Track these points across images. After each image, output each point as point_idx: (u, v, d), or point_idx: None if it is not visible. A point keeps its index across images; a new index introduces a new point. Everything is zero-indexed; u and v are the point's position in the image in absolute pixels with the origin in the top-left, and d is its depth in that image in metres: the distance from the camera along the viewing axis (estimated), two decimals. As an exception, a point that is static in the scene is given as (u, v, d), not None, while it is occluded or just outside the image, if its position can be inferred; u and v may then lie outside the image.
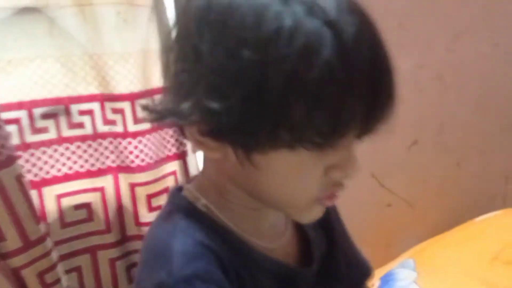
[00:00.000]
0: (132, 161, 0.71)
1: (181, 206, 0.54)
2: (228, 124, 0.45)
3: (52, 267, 0.60)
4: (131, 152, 0.71)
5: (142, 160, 0.71)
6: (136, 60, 0.70)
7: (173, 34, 0.49)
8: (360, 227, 1.11)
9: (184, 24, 0.48)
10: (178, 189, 0.57)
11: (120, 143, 0.70)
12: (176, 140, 0.76)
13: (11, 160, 0.55)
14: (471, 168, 1.31)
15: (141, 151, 0.71)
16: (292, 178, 0.49)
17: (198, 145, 0.50)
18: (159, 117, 0.50)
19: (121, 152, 0.71)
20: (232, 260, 0.52)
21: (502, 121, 1.36)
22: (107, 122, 0.69)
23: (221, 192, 0.54)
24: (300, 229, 0.61)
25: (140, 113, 0.70)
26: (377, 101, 0.46)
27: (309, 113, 0.43)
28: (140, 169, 0.71)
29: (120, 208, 0.72)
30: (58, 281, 0.61)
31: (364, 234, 1.12)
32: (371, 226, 1.15)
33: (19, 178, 0.55)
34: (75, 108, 0.69)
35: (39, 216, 0.58)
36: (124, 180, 0.72)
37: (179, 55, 0.48)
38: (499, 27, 1.31)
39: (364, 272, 0.69)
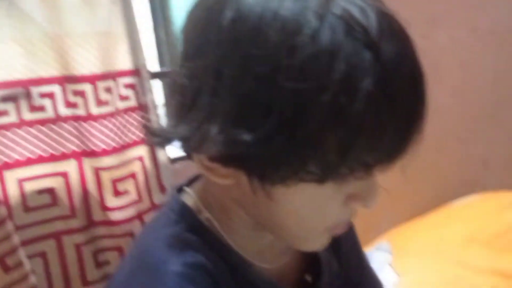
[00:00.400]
0: (96, 145, 0.70)
1: (183, 215, 0.51)
2: (253, 155, 0.40)
3: (13, 250, 0.59)
4: (94, 136, 0.70)
5: (106, 144, 0.70)
6: (97, 42, 0.69)
7: (182, 45, 0.44)
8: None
9: (200, 38, 0.42)
10: (178, 190, 0.54)
11: (83, 126, 0.69)
12: (142, 124, 0.75)
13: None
14: (450, 154, 1.31)
15: (105, 134, 0.70)
16: (310, 210, 0.46)
17: (205, 170, 0.45)
18: (165, 143, 0.47)
19: (84, 135, 0.70)
20: (228, 280, 0.50)
21: (481, 107, 1.36)
22: (68, 104, 0.68)
23: (224, 210, 0.50)
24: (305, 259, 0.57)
25: (103, 96, 0.70)
26: (412, 133, 0.42)
27: (346, 146, 0.39)
28: (104, 153, 0.70)
29: (85, 193, 0.71)
30: (20, 264, 0.60)
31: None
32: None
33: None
34: (35, 90, 0.67)
35: (-3, 199, 0.57)
36: (88, 164, 0.70)
37: (193, 75, 0.42)
38: (477, 11, 1.31)
39: None
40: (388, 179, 1.21)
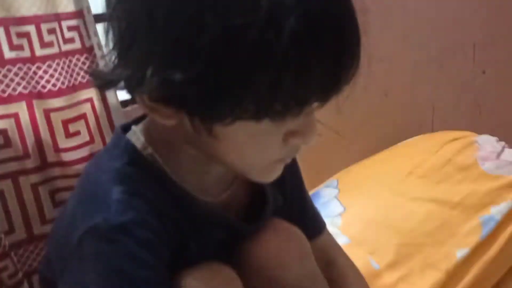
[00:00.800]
0: (44, 87, 0.72)
1: (126, 151, 0.53)
2: (189, 95, 0.42)
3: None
4: (41, 78, 0.72)
5: (54, 86, 0.73)
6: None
7: None
8: (290, 156, 1.16)
9: None
10: (124, 128, 0.56)
11: (29, 68, 0.71)
12: (90, 66, 0.77)
13: None
14: (399, 98, 1.37)
15: (52, 76, 0.72)
16: (251, 147, 0.49)
17: (149, 111, 0.47)
18: (108, 84, 0.49)
19: (32, 78, 0.72)
20: (172, 212, 0.53)
21: (428, 52, 1.41)
22: (13, 47, 0.70)
23: (169, 147, 0.53)
24: (253, 184, 0.61)
25: (47, 37, 0.71)
26: (342, 70, 0.45)
27: (276, 83, 0.41)
28: (53, 94, 0.73)
29: (37, 134, 0.74)
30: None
31: (295, 162, 1.18)
32: (303, 155, 1.20)
33: None
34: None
35: None
36: (38, 106, 0.73)
37: (128, 18, 0.45)
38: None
39: (317, 227, 0.73)
40: (340, 123, 1.26)
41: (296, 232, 0.66)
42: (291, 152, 0.52)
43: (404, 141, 1.18)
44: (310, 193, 1.04)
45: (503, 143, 1.09)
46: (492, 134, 1.19)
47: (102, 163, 0.55)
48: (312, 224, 0.71)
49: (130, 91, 0.48)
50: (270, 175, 0.54)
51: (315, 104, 0.47)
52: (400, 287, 0.83)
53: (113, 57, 0.47)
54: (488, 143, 1.07)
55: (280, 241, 0.63)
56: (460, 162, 1.01)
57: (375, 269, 0.85)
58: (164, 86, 0.43)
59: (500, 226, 0.94)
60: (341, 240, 0.89)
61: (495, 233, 0.93)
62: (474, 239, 0.90)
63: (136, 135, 0.54)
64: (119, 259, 0.48)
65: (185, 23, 0.41)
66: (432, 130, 1.45)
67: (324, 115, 1.29)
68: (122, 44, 0.45)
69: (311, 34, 0.41)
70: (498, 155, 1.03)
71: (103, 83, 0.49)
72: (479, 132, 1.20)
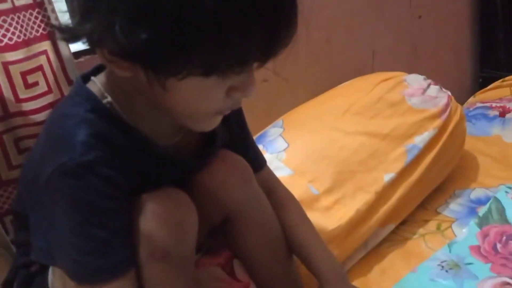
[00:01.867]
0: (1, 41, 0.77)
1: (88, 99, 0.60)
2: (147, 52, 0.49)
3: None
4: (16, 29, 0.77)
5: (10, 39, 0.78)
6: None
7: None
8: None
9: None
10: (84, 78, 0.63)
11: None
12: (42, 21, 0.82)
13: None
14: (340, 44, 1.45)
15: (7, 30, 0.77)
16: (198, 100, 0.56)
17: (108, 63, 0.54)
18: (71, 38, 0.55)
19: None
20: (132, 152, 0.61)
21: (367, 0, 1.49)
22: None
23: (126, 96, 0.61)
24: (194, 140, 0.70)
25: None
26: (278, 36, 0.53)
27: (222, 44, 0.49)
28: (10, 48, 0.78)
29: (-3, 86, 0.79)
30: None
31: (244, 107, 1.26)
32: (251, 100, 1.29)
33: None
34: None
35: None
36: (-4, 58, 0.78)
37: None
38: None
39: (259, 162, 0.83)
40: (286, 70, 1.36)
41: (240, 160, 0.76)
42: (233, 105, 0.60)
43: (343, 83, 1.28)
44: (259, 133, 1.15)
45: (429, 80, 1.21)
46: (427, 74, 1.30)
47: (66, 110, 0.62)
48: (255, 159, 0.81)
49: (91, 45, 0.54)
50: (209, 125, 0.63)
51: (256, 64, 0.55)
52: (336, 208, 0.95)
53: (77, 13, 0.53)
54: (415, 81, 1.18)
55: (225, 167, 0.73)
56: (390, 99, 1.13)
57: (314, 195, 0.96)
58: (125, 42, 0.49)
59: (422, 153, 1.06)
60: (285, 172, 0.99)
61: (418, 159, 1.06)
62: (399, 165, 1.03)
63: (96, 85, 0.62)
64: (84, 192, 0.56)
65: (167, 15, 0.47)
66: (372, 73, 1.56)
67: (273, 63, 1.37)
68: (87, 1, 0.51)
69: (253, 2, 0.49)
70: (424, 91, 1.15)
71: (68, 38, 0.55)
72: (417, 73, 1.31)
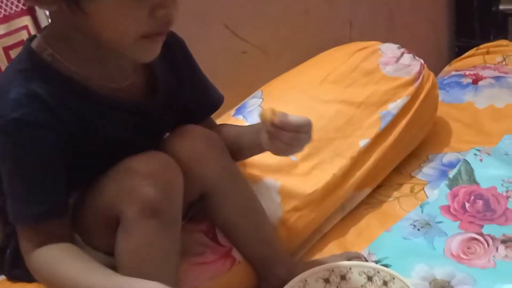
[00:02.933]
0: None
1: (27, 56, 0.64)
2: None
3: None
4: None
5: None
6: None
7: None
8: (219, 73, 1.28)
9: None
10: (31, 39, 0.67)
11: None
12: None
13: None
14: (318, 15, 1.48)
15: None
16: (119, 19, 0.59)
17: (33, 2, 0.60)
18: None
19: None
20: (72, 104, 0.64)
21: (344, -30, 1.52)
22: None
23: (66, 40, 0.64)
24: (151, 71, 0.74)
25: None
26: None
27: None
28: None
29: (-20, 61, 0.81)
30: None
31: (224, 79, 1.29)
32: (230, 71, 1.31)
33: None
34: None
35: None
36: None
37: None
38: None
39: (213, 103, 0.86)
40: (266, 42, 1.39)
41: (212, 134, 0.79)
42: (160, 27, 0.62)
43: (320, 54, 1.31)
44: (239, 105, 1.18)
45: (403, 49, 1.24)
46: (403, 45, 1.33)
47: (8, 68, 0.67)
48: (215, 96, 0.86)
49: None
50: (146, 52, 0.65)
51: None
52: (313, 173, 1.00)
53: None
54: (389, 49, 1.22)
55: (198, 143, 0.76)
56: (365, 67, 1.16)
57: (293, 161, 1.00)
58: None
59: (396, 119, 1.11)
60: (265, 140, 1.03)
61: (392, 125, 1.10)
62: (374, 131, 1.07)
63: (38, 40, 0.65)
64: (10, 147, 0.62)
65: None
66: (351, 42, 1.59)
67: (251, 35, 1.40)
68: None
69: None
70: (398, 59, 1.19)
71: None
72: (393, 42, 1.34)
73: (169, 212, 0.67)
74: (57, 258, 0.63)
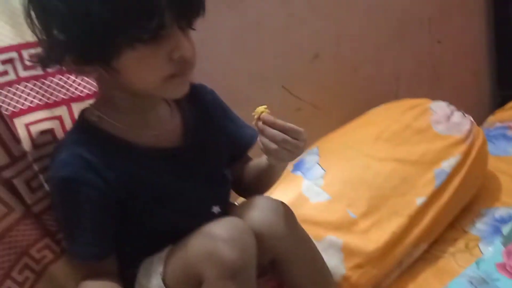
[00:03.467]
0: (81, 91, 0.89)
1: (78, 122, 0.77)
2: (84, 53, 0.65)
3: (36, 175, 0.79)
4: (79, 84, 0.88)
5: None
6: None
7: None
8: (276, 129, 1.34)
9: None
10: (86, 108, 0.78)
11: (68, 78, 0.88)
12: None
13: (-10, 97, 0.72)
14: (366, 73, 1.55)
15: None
16: (142, 69, 0.68)
17: (77, 72, 0.71)
18: (43, 64, 0.71)
19: (70, 85, 0.88)
20: (115, 162, 0.73)
21: (390, 31, 1.59)
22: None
23: (110, 100, 0.75)
24: (184, 117, 0.82)
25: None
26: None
27: (131, 18, 0.62)
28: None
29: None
30: (42, 186, 0.81)
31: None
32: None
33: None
34: (25, 53, 0.84)
35: (18, 139, 0.76)
36: (77, 107, 0.89)
37: (38, 13, 0.66)
38: None
39: (248, 141, 0.90)
40: (317, 98, 1.48)
41: (283, 206, 0.83)
42: (180, 68, 0.70)
43: (371, 110, 1.37)
44: (295, 161, 1.25)
45: (453, 107, 1.30)
46: (448, 97, 1.39)
47: (64, 135, 0.80)
48: (246, 136, 0.90)
49: (60, 63, 0.69)
50: (175, 90, 0.73)
51: (175, 27, 0.67)
52: (373, 230, 1.04)
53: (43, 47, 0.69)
54: (440, 108, 1.27)
55: (271, 215, 0.80)
56: (417, 126, 1.22)
57: (352, 218, 1.06)
58: (69, 52, 0.66)
59: (450, 177, 1.15)
60: (324, 197, 1.09)
61: (446, 183, 1.14)
62: (429, 189, 1.12)
63: (89, 107, 0.77)
64: (59, 199, 0.74)
65: (75, 21, 0.63)
66: (397, 97, 1.64)
67: (305, 93, 1.48)
68: (42, 38, 0.68)
69: None
70: (448, 118, 1.24)
71: (49, 63, 0.70)
72: (438, 95, 1.39)
73: (246, 274, 0.71)
74: None
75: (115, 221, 0.74)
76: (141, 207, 0.75)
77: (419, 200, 1.10)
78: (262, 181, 0.89)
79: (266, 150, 0.76)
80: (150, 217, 0.76)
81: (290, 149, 0.75)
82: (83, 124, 0.75)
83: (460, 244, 1.16)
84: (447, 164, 1.16)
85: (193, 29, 0.71)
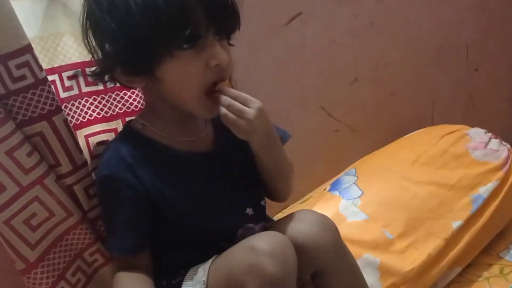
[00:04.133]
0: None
1: (124, 128, 0.84)
2: (133, 64, 0.71)
3: (93, 183, 0.85)
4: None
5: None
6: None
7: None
8: (314, 150, 1.39)
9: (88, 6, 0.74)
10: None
11: (125, 93, 0.94)
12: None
13: (59, 109, 0.78)
14: (403, 97, 1.57)
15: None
16: (182, 74, 0.73)
17: (127, 83, 0.77)
18: (98, 78, 0.78)
19: (126, 101, 0.95)
20: (153, 165, 0.78)
21: (427, 57, 1.61)
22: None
23: (154, 110, 0.81)
24: (217, 124, 0.85)
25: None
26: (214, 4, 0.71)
27: (169, 29, 0.68)
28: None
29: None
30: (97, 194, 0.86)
31: (318, 155, 1.40)
32: (323, 148, 1.42)
33: (65, 122, 0.79)
34: (88, 70, 0.91)
35: (81, 149, 0.82)
36: (131, 121, 0.95)
37: (93, 30, 0.74)
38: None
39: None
40: (355, 121, 1.52)
41: (328, 220, 0.85)
42: (215, 75, 0.75)
43: (409, 134, 1.40)
44: (333, 180, 1.28)
45: (490, 134, 1.31)
46: (484, 124, 1.40)
47: (112, 139, 0.85)
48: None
49: (111, 76, 0.77)
50: (209, 110, 0.77)
51: (213, 38, 0.72)
52: (409, 251, 1.06)
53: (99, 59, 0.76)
54: (477, 135, 1.29)
55: (315, 229, 0.81)
56: (454, 151, 1.24)
57: (389, 238, 1.07)
58: (118, 65, 0.73)
59: (487, 202, 1.16)
60: (361, 216, 1.11)
61: (483, 208, 1.15)
62: (466, 213, 1.13)
63: (135, 117, 0.83)
64: (102, 195, 0.80)
65: (122, 35, 0.71)
66: (432, 123, 1.66)
67: (343, 115, 1.52)
68: (97, 53, 0.76)
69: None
70: (486, 145, 1.26)
71: (103, 75, 0.78)
72: (473, 122, 1.41)
73: (285, 287, 0.72)
74: (123, 281, 0.77)
75: (150, 221, 0.78)
76: (175, 210, 0.79)
77: (456, 224, 1.11)
78: (265, 177, 0.88)
79: (222, 117, 0.78)
80: (184, 219, 0.80)
81: (235, 113, 0.75)
82: (128, 130, 0.82)
83: (495, 269, 1.16)
84: (484, 190, 1.17)
85: (232, 45, 0.77)
